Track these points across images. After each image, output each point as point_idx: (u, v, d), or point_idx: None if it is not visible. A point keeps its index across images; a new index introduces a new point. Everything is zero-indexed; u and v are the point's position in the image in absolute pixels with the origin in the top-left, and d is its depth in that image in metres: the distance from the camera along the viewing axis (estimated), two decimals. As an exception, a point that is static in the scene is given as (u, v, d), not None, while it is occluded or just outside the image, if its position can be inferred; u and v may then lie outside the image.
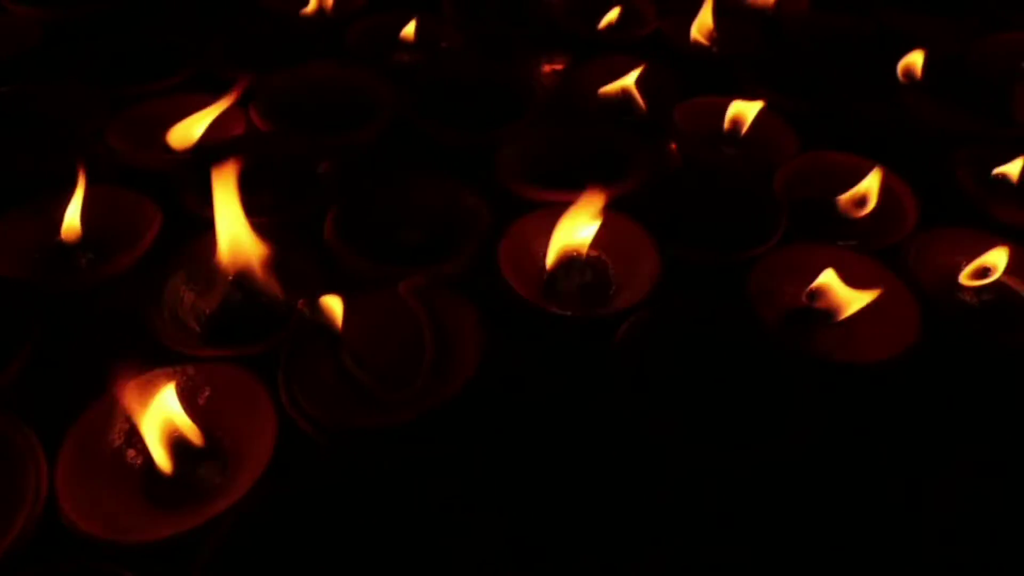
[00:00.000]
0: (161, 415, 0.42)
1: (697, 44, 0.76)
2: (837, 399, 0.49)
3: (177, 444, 0.43)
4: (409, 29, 0.75)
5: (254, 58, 0.72)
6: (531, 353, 0.50)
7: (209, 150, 0.62)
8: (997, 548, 0.44)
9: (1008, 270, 0.54)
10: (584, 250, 0.53)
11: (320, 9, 0.78)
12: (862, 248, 0.56)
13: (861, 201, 0.58)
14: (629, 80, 0.68)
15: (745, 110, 0.64)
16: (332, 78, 0.69)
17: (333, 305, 0.47)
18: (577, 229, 0.52)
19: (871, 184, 0.58)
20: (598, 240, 0.56)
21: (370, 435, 0.43)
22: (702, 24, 0.77)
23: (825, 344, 0.52)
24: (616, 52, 0.74)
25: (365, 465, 0.43)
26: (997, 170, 0.60)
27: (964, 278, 0.54)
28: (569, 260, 0.53)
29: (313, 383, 0.46)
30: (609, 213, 0.56)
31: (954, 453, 0.48)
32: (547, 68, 0.79)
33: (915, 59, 0.71)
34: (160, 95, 0.66)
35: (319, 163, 0.60)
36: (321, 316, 0.46)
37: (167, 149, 0.62)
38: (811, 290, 0.52)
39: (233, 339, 0.49)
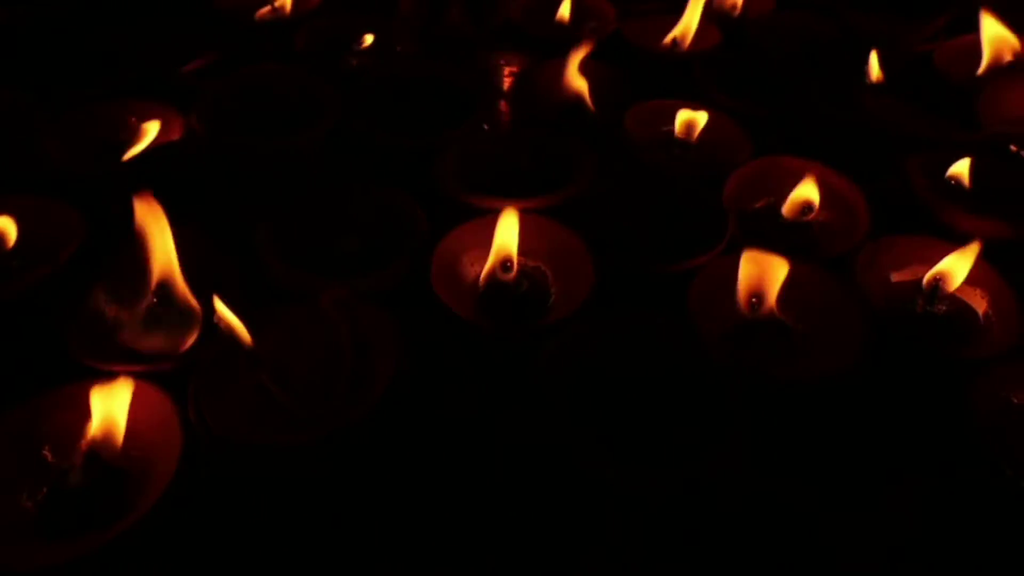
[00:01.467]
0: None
1: (660, 46, 0.74)
2: (778, 414, 0.47)
3: (90, 458, 0.41)
4: (361, 31, 0.74)
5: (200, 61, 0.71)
6: (458, 367, 0.49)
7: (145, 156, 0.60)
8: (945, 567, 0.43)
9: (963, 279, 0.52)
10: (514, 260, 0.51)
11: (273, 11, 0.77)
12: (810, 257, 0.55)
13: (806, 207, 0.56)
14: (581, 83, 0.66)
15: (695, 118, 0.62)
16: (277, 81, 0.67)
17: (248, 319, 0.45)
18: (507, 240, 0.50)
19: (807, 189, 0.56)
20: (537, 250, 0.55)
21: (276, 452, 0.41)
22: (687, 26, 0.75)
23: (769, 357, 0.50)
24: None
25: (272, 483, 0.42)
26: (949, 172, 0.58)
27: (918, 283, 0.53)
28: (504, 271, 0.51)
29: (228, 399, 0.44)
30: (548, 221, 0.54)
31: (902, 471, 0.46)
32: (507, 70, 0.77)
33: (878, 60, 0.69)
34: (100, 99, 0.65)
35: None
36: (236, 330, 0.45)
37: (102, 155, 0.61)
38: (752, 299, 0.50)
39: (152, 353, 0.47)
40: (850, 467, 0.45)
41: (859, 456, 0.46)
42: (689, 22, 0.72)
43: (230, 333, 0.44)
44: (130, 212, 0.49)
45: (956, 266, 0.51)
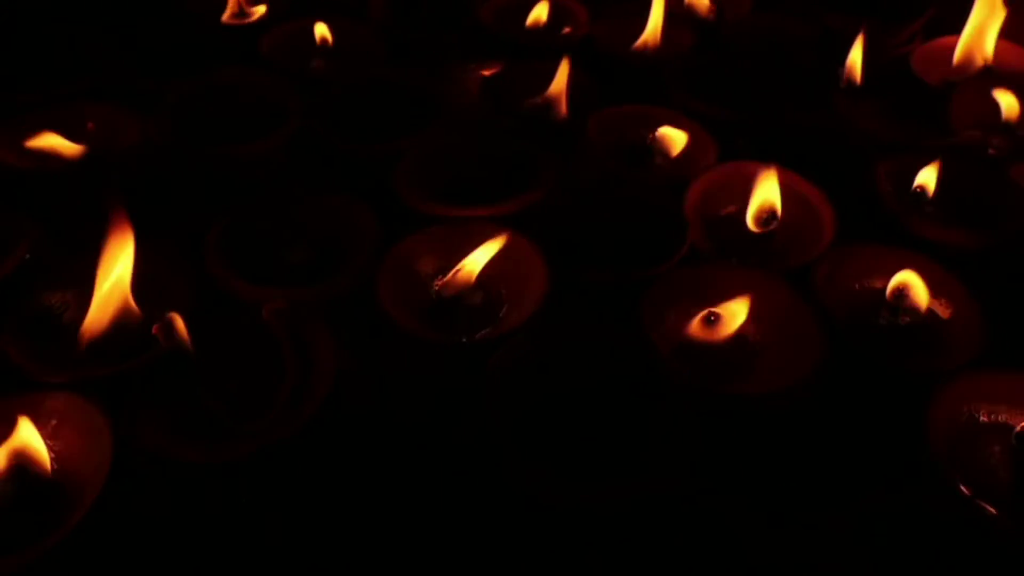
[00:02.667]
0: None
1: (632, 49, 0.73)
2: (730, 429, 0.46)
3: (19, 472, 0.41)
4: (328, 34, 0.73)
5: (164, 65, 0.70)
6: (407, 379, 0.48)
7: (99, 161, 0.60)
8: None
9: (927, 290, 0.51)
10: (469, 274, 0.50)
11: (240, 13, 0.76)
12: (770, 266, 0.53)
13: (768, 216, 0.55)
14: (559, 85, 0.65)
15: (673, 136, 0.61)
16: (240, 86, 0.66)
17: (188, 329, 0.44)
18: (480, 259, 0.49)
19: (764, 196, 0.54)
20: (492, 259, 0.54)
21: (208, 468, 0.40)
22: (654, 28, 0.73)
23: (723, 371, 0.49)
24: (545, 57, 0.71)
25: (205, 498, 0.41)
26: (917, 182, 0.56)
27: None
28: (456, 281, 0.50)
29: (163, 411, 0.43)
30: (501, 229, 0.53)
31: (855, 490, 0.44)
32: (479, 74, 0.76)
33: (853, 63, 0.68)
34: (59, 102, 0.64)
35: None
36: (177, 340, 0.44)
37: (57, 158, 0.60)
38: (707, 313, 0.49)
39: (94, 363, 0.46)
40: (801, 485, 0.44)
41: (811, 474, 0.45)
42: (655, 25, 0.71)
43: (171, 344, 0.44)
44: (80, 218, 0.48)
45: (917, 279, 0.50)
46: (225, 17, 0.75)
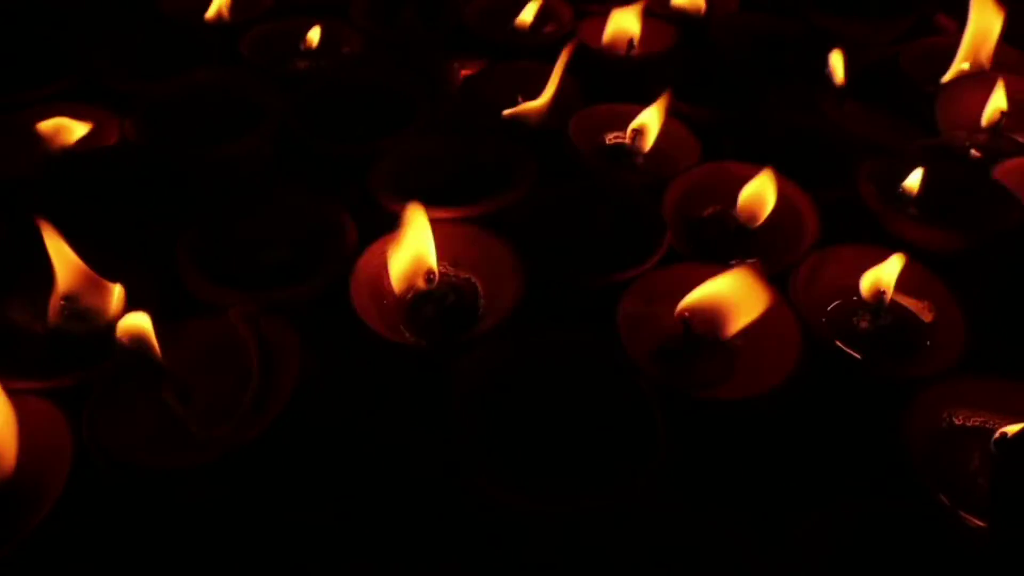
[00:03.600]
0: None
1: (614, 48, 0.72)
2: (705, 436, 0.45)
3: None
4: (310, 35, 0.72)
5: (145, 66, 0.69)
6: (374, 383, 0.47)
7: (74, 162, 0.59)
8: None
9: (905, 290, 0.50)
10: (429, 272, 0.49)
11: (220, 14, 0.75)
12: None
13: (751, 215, 0.54)
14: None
15: (648, 122, 0.60)
16: (218, 87, 0.66)
17: (158, 333, 0.44)
18: (419, 249, 0.48)
19: (755, 191, 0.54)
20: (468, 260, 0.53)
21: (168, 474, 0.40)
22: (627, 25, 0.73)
23: (700, 375, 0.48)
24: (530, 56, 0.71)
25: (167, 503, 0.40)
26: (901, 184, 0.55)
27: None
28: (428, 283, 0.50)
29: (126, 416, 0.42)
30: (478, 230, 0.53)
31: (831, 498, 0.43)
32: (460, 74, 0.75)
33: (835, 64, 0.67)
34: (37, 104, 0.63)
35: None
36: (141, 345, 0.43)
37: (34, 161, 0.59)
38: (679, 310, 0.48)
39: (58, 368, 0.46)
40: (776, 493, 0.43)
41: (787, 482, 0.44)
42: (628, 23, 0.70)
43: (138, 347, 0.43)
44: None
45: (884, 274, 0.49)
46: (208, 16, 0.75)
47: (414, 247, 0.48)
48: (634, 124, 0.61)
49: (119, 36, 0.71)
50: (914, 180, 0.55)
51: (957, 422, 0.45)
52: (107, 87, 0.66)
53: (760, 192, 0.54)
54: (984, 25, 0.69)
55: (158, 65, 0.69)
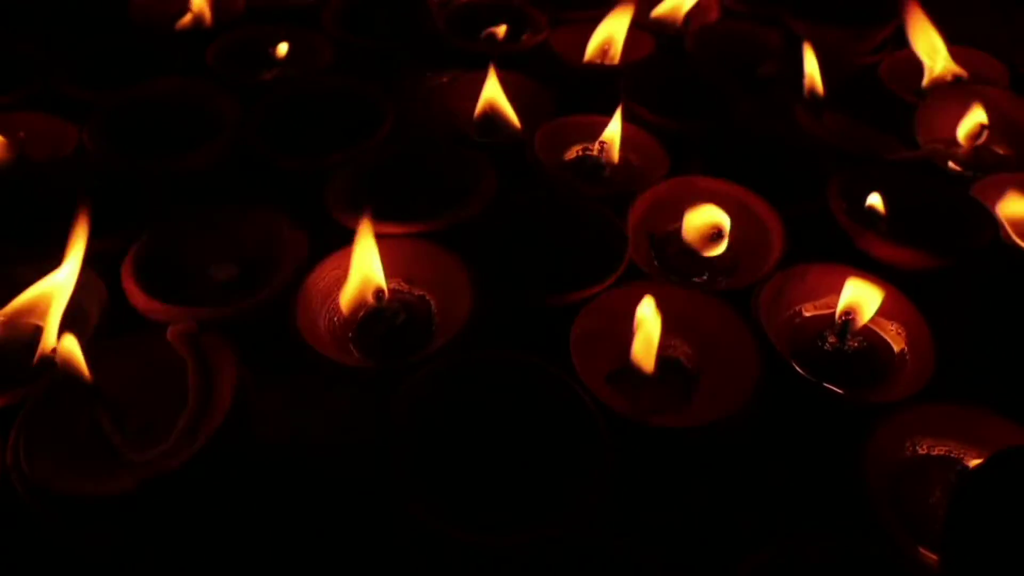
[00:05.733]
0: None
1: (589, 58, 0.71)
2: (659, 464, 0.44)
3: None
4: (278, 49, 0.71)
5: (111, 75, 0.68)
6: (316, 406, 0.46)
7: (27, 171, 0.58)
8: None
9: (877, 311, 0.49)
10: (377, 290, 0.47)
11: (195, 22, 0.74)
12: (712, 287, 0.51)
13: (713, 234, 0.52)
14: (500, 96, 0.62)
15: (613, 134, 0.58)
16: (179, 97, 0.64)
17: (96, 351, 0.42)
18: (366, 267, 0.46)
19: (710, 216, 0.52)
20: (422, 277, 0.52)
21: (93, 501, 0.38)
22: (605, 35, 0.71)
23: (656, 400, 0.46)
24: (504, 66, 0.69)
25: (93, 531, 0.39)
26: (869, 202, 0.53)
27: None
28: (377, 300, 0.48)
29: (61, 441, 0.41)
30: (432, 246, 0.51)
31: (781, 534, 0.41)
32: (429, 84, 0.74)
33: (812, 73, 0.65)
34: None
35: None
36: (73, 365, 0.42)
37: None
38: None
39: None
40: (728, 526, 0.42)
41: (743, 513, 0.42)
42: (611, 32, 0.68)
43: (68, 366, 0.41)
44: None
45: (864, 298, 0.47)
46: (180, 23, 0.74)
47: (361, 265, 0.46)
48: (603, 136, 0.60)
49: (86, 45, 0.70)
50: (882, 196, 0.53)
51: (921, 451, 0.43)
52: (66, 96, 0.64)
53: (711, 223, 0.53)
54: (927, 39, 0.67)
55: (124, 74, 0.67)
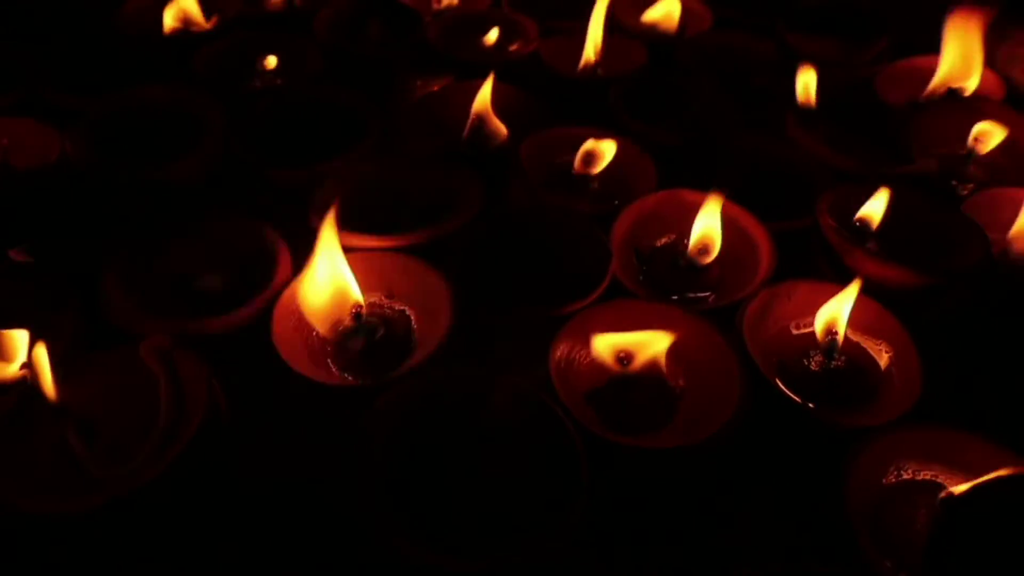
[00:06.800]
0: None
1: (580, 67, 0.70)
2: (638, 485, 0.43)
3: None
4: (266, 61, 0.70)
5: (97, 83, 0.67)
6: (291, 422, 0.45)
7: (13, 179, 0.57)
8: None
9: (861, 329, 0.48)
10: (355, 305, 0.47)
11: (183, 28, 0.74)
12: (698, 303, 0.50)
13: (703, 249, 0.51)
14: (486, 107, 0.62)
15: (598, 148, 0.58)
16: (165, 105, 0.64)
17: (67, 365, 0.42)
18: (339, 283, 0.46)
19: (707, 228, 0.51)
20: (402, 291, 0.51)
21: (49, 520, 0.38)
22: (593, 42, 0.70)
23: (637, 419, 0.45)
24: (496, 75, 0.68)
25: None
26: (859, 215, 0.53)
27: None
28: (355, 319, 0.47)
29: (28, 457, 0.40)
30: (412, 260, 0.50)
31: (768, 557, 0.41)
32: (418, 93, 0.73)
33: (806, 85, 0.64)
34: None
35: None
36: (40, 380, 0.41)
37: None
38: (619, 352, 0.45)
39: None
40: (708, 551, 0.41)
41: (724, 536, 0.42)
42: (595, 39, 0.68)
43: (35, 381, 0.41)
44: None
45: (836, 311, 0.46)
46: (168, 30, 0.73)
47: (332, 281, 0.45)
48: (585, 147, 0.59)
49: (73, 51, 0.70)
50: (873, 212, 0.52)
51: (906, 476, 0.42)
52: (52, 103, 0.64)
53: (711, 229, 0.52)
54: (964, 50, 0.66)
55: (111, 82, 0.67)
